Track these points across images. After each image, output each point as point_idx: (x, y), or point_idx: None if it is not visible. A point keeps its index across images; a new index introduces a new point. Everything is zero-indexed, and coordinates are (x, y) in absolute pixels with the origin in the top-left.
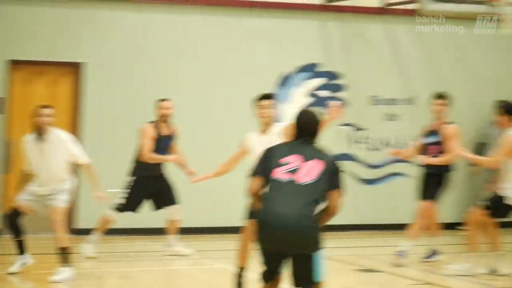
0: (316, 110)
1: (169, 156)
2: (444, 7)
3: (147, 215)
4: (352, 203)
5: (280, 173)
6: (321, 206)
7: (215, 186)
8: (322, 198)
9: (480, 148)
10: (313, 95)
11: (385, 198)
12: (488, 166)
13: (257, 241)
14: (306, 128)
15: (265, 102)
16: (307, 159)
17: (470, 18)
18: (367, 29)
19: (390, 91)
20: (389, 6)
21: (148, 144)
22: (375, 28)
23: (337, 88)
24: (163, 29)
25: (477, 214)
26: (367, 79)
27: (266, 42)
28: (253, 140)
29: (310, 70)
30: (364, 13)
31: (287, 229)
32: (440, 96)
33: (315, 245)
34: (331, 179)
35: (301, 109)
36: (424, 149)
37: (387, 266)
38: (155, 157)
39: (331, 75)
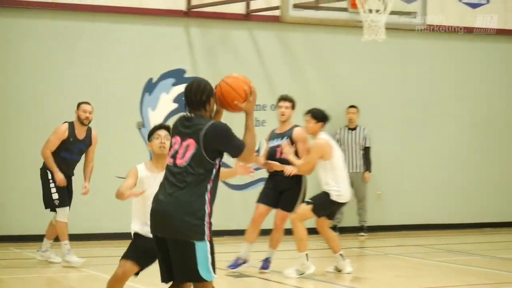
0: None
1: (51, 163)
2: (306, 14)
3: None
4: (221, 209)
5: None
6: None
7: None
8: (203, 175)
9: None
10: (179, 100)
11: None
12: (301, 171)
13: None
14: (189, 99)
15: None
16: (183, 139)
17: (332, 25)
18: (231, 35)
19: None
20: (253, 12)
21: (51, 141)
22: (239, 34)
23: None
24: None
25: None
26: None
27: (131, 48)
28: None
29: (175, 76)
30: (227, 19)
31: (159, 214)
32: (284, 98)
33: (187, 232)
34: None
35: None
36: (270, 153)
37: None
38: (46, 156)
39: None
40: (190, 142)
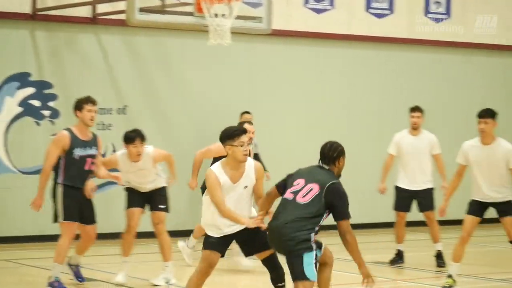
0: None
1: None
2: (153, 18)
3: None
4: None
5: (288, 193)
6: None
7: None
8: (316, 217)
9: None
10: (24, 104)
11: (102, 207)
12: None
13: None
14: (323, 155)
15: None
16: (307, 182)
17: (179, 29)
18: (78, 38)
19: (103, 101)
20: (99, 15)
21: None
22: (86, 37)
23: (48, 97)
24: None
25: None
26: (79, 88)
27: None
28: None
29: (20, 79)
30: (74, 23)
31: (276, 235)
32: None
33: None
34: (328, 203)
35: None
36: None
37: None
38: None
39: (43, 85)
40: (314, 186)
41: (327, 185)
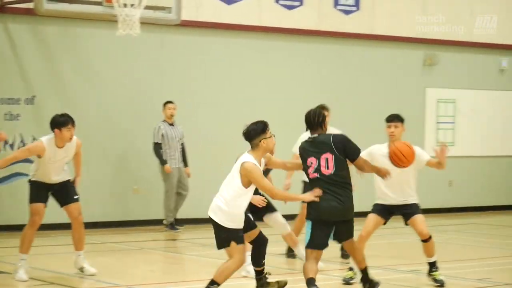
0: None
1: None
2: (61, 7)
3: None
4: None
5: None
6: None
7: None
8: (347, 175)
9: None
10: None
11: (9, 199)
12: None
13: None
14: (311, 123)
15: None
16: (318, 156)
17: (88, 19)
18: None
19: (11, 90)
20: (7, 4)
21: None
22: None
23: None
24: None
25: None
26: None
27: None
28: None
29: None
30: None
31: (340, 211)
32: None
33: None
34: (343, 153)
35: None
36: None
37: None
38: None
39: None
40: (328, 155)
41: (331, 140)
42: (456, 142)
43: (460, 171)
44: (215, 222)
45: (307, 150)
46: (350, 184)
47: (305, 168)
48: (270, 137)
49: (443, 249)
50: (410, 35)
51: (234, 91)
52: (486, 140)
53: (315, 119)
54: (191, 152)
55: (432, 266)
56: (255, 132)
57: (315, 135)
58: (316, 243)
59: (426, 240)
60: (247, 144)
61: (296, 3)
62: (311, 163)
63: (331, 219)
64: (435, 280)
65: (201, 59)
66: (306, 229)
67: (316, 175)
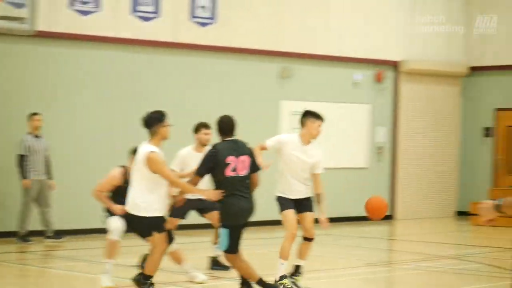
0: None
1: None
2: None
3: None
4: None
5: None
6: None
7: None
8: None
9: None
10: None
11: None
12: None
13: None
14: (230, 127)
15: None
16: (238, 156)
17: None
18: None
19: None
20: None
21: None
22: None
23: None
24: None
25: None
26: None
27: None
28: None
29: None
30: None
31: (246, 211)
32: None
33: None
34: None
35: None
36: None
37: None
38: None
39: None
40: (245, 158)
41: (250, 149)
42: None
43: None
44: (134, 215)
45: (227, 150)
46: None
47: (222, 167)
48: (168, 125)
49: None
50: (265, 48)
51: (91, 102)
52: (338, 153)
53: (232, 124)
54: (58, 164)
55: (298, 269)
56: (154, 120)
57: (232, 138)
58: (233, 248)
59: (310, 239)
60: (115, 155)
61: (153, 15)
62: (231, 162)
63: (244, 220)
64: (295, 285)
65: (59, 69)
66: (222, 235)
67: (233, 174)
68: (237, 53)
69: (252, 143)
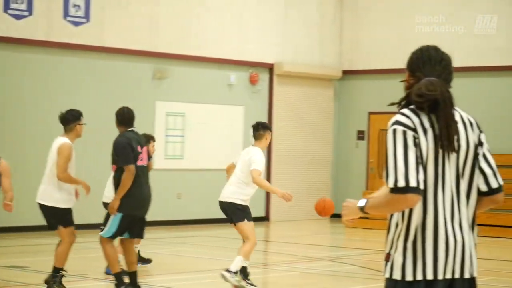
0: None
1: None
2: None
3: None
4: None
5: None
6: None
7: None
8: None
9: None
10: None
11: None
12: None
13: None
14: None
15: None
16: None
17: None
18: None
19: None
20: None
21: None
22: None
23: None
24: None
25: None
26: None
27: None
28: None
29: None
30: None
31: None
32: None
33: None
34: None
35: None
36: None
37: None
38: None
39: None
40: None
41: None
42: (185, 155)
43: (188, 184)
44: (43, 205)
45: (135, 140)
46: None
47: (135, 155)
48: (83, 124)
49: (174, 261)
50: (140, 48)
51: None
52: (213, 154)
53: (132, 114)
54: None
55: (245, 270)
56: (72, 117)
57: (133, 128)
58: (116, 235)
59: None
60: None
61: (25, 13)
62: (140, 152)
63: (144, 212)
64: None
65: None
66: (113, 220)
67: (142, 163)
68: (111, 53)
69: None
